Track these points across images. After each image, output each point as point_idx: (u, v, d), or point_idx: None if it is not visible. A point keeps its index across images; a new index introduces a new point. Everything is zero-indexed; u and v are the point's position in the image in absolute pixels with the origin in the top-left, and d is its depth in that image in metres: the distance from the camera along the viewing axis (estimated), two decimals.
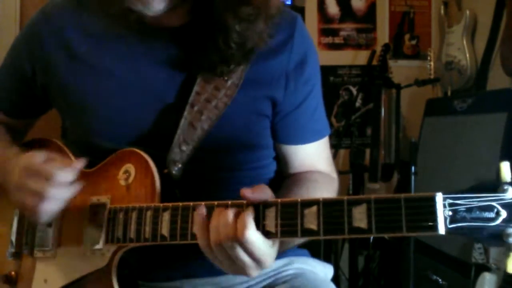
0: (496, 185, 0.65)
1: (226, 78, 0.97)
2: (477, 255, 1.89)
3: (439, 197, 0.66)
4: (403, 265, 2.34)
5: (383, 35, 3.23)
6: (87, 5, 1.01)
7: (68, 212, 0.97)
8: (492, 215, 0.64)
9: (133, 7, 0.90)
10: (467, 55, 2.71)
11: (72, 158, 1.01)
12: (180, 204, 0.84)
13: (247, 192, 0.77)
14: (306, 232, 0.74)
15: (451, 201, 0.65)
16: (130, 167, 0.92)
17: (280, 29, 1.01)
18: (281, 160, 1.09)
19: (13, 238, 1.03)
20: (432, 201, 0.66)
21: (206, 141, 0.96)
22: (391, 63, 3.10)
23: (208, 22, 0.94)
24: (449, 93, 2.83)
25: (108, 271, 0.89)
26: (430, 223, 0.66)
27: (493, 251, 1.79)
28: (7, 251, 1.03)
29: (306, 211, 0.74)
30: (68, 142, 1.07)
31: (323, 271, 1.12)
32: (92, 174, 0.97)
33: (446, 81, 2.86)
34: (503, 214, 0.64)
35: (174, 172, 0.94)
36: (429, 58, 2.97)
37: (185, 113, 0.96)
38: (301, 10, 3.09)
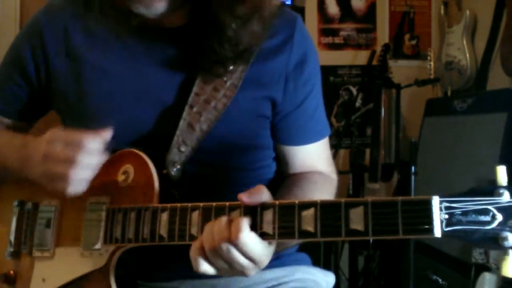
0: (492, 188, 0.65)
1: (225, 79, 0.97)
2: (477, 255, 1.89)
3: (435, 200, 0.66)
4: (403, 265, 2.34)
5: (383, 35, 3.23)
6: (88, 5, 1.02)
7: (67, 212, 0.98)
8: (488, 218, 0.64)
9: (135, 9, 0.90)
10: (467, 55, 2.71)
11: None
12: (179, 205, 0.84)
13: (244, 197, 0.77)
14: (303, 233, 0.74)
15: (447, 204, 0.66)
16: (129, 167, 0.92)
17: (280, 30, 1.01)
18: (281, 161, 1.09)
19: (12, 237, 1.03)
20: (428, 204, 0.66)
21: (205, 142, 0.97)
22: (391, 63, 3.10)
23: (206, 23, 0.94)
24: (449, 93, 2.83)
25: (106, 271, 0.90)
26: (426, 226, 0.66)
27: (493, 252, 1.79)
28: (6, 250, 1.03)
29: (304, 213, 0.74)
30: None
31: (325, 280, 1.12)
32: None
33: (446, 81, 2.85)
34: (499, 217, 0.64)
35: (172, 172, 0.94)
36: (429, 58, 2.98)
37: (184, 114, 0.96)
38: (301, 10, 3.09)
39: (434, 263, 2.29)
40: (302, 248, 1.15)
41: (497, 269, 1.78)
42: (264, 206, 0.77)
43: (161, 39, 0.99)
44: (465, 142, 2.22)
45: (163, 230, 0.84)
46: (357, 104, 3.20)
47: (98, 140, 0.86)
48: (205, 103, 0.96)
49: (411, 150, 2.18)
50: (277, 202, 0.77)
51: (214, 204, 0.81)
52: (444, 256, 2.20)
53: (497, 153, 1.96)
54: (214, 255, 0.77)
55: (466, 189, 0.66)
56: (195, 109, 0.96)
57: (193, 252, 0.79)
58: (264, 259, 0.78)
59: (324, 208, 0.73)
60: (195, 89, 0.96)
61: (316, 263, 1.16)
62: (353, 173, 2.93)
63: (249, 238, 0.75)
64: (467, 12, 2.74)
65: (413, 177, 2.14)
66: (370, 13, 3.23)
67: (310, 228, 0.74)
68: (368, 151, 2.98)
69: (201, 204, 0.82)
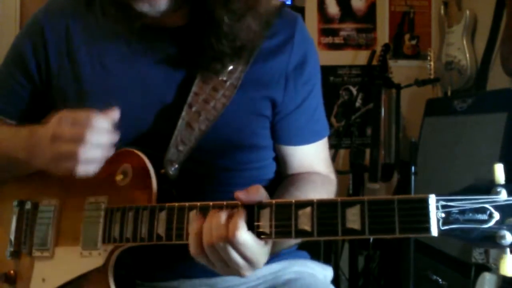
0: (489, 187, 0.65)
1: (224, 78, 0.97)
2: (477, 255, 1.89)
3: (432, 199, 0.66)
4: (403, 265, 2.34)
5: (383, 35, 3.23)
6: (89, 5, 1.02)
7: (66, 212, 0.98)
8: (485, 217, 0.64)
9: (138, 8, 0.91)
10: (467, 55, 2.71)
11: None
12: (176, 204, 0.84)
13: (241, 195, 0.78)
14: (300, 233, 0.74)
15: (444, 203, 0.66)
16: (127, 167, 0.92)
17: (280, 30, 1.01)
18: (280, 161, 1.09)
19: (12, 237, 1.03)
20: (425, 203, 0.66)
21: (203, 142, 0.97)
22: (391, 63, 3.11)
23: (205, 21, 0.94)
24: (449, 93, 2.82)
25: (105, 270, 0.90)
26: (423, 225, 0.66)
27: (493, 251, 1.79)
28: (6, 250, 1.03)
29: (300, 212, 0.74)
30: None
31: (323, 273, 1.12)
32: None
33: (446, 81, 2.85)
34: (496, 216, 0.64)
35: (171, 172, 0.94)
36: (429, 58, 2.97)
37: (183, 113, 0.96)
38: (301, 10, 3.10)
39: (434, 263, 2.29)
40: (301, 247, 1.15)
41: (497, 269, 1.78)
42: (261, 205, 0.77)
43: (161, 39, 0.99)
44: (465, 142, 2.21)
45: (161, 230, 0.84)
46: (357, 104, 3.20)
47: (105, 119, 0.86)
48: (204, 103, 0.96)
49: (411, 150, 2.18)
50: (273, 201, 0.77)
51: (211, 203, 0.81)
52: (444, 256, 2.20)
53: (497, 153, 1.96)
54: (211, 251, 0.77)
55: (463, 188, 0.66)
56: (194, 109, 0.96)
57: (191, 238, 0.79)
58: (260, 260, 0.79)
59: (321, 207, 0.74)
60: (194, 88, 0.97)
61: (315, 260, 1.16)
62: (353, 173, 2.93)
63: (246, 237, 0.75)
64: (467, 12, 2.74)
65: (413, 177, 2.13)
66: (370, 13, 3.23)
67: (306, 227, 0.74)
68: (368, 151, 2.98)
69: (199, 204, 0.82)
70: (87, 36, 1.01)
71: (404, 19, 3.21)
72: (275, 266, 1.06)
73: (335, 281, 1.13)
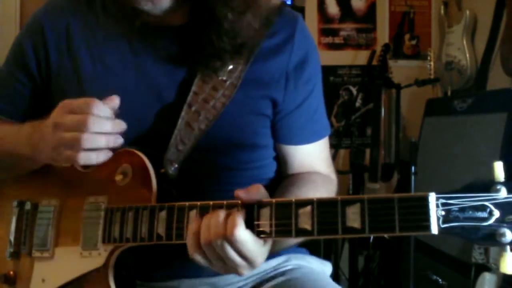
0: (489, 184, 0.65)
1: (224, 78, 0.97)
2: (477, 255, 1.88)
3: (432, 197, 0.66)
4: (403, 265, 2.34)
5: (383, 35, 3.23)
6: (89, 3, 1.02)
7: (66, 212, 0.98)
8: (485, 215, 0.64)
9: (140, 6, 0.91)
10: (467, 55, 2.71)
11: None
12: (176, 204, 0.84)
13: (241, 193, 0.78)
14: (300, 232, 0.74)
15: (444, 201, 0.66)
16: (127, 167, 0.92)
17: (280, 29, 1.01)
18: (281, 160, 1.09)
19: (12, 237, 1.03)
20: (425, 201, 0.66)
21: (203, 141, 0.97)
22: (391, 63, 3.11)
23: (205, 19, 0.94)
24: (449, 93, 2.83)
25: (105, 270, 0.90)
26: (423, 223, 0.66)
27: (493, 251, 1.79)
28: (6, 251, 1.03)
29: (301, 211, 0.74)
30: None
31: (321, 267, 1.12)
32: (89, 174, 0.97)
33: (446, 81, 2.85)
34: (496, 213, 0.64)
35: (170, 171, 0.94)
36: (429, 58, 2.98)
37: (183, 113, 0.96)
38: (301, 10, 3.10)
39: (434, 263, 2.29)
40: (301, 247, 1.15)
41: (497, 269, 1.78)
42: (261, 204, 0.77)
43: (162, 38, 0.99)
44: (465, 142, 2.21)
45: (161, 229, 0.84)
46: (357, 104, 3.20)
47: (106, 106, 0.86)
48: (204, 102, 0.96)
49: (411, 150, 2.17)
50: (273, 200, 0.77)
51: (211, 202, 0.81)
52: (444, 256, 2.20)
53: (497, 153, 1.96)
54: (208, 248, 0.77)
55: (463, 186, 0.66)
56: (193, 108, 0.96)
57: (189, 237, 0.79)
58: (258, 259, 0.79)
59: (321, 206, 0.73)
60: (194, 88, 0.97)
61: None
62: (353, 173, 2.93)
63: (243, 235, 0.75)
64: (467, 12, 2.74)
65: (413, 177, 2.13)
66: (370, 13, 3.23)
67: (307, 226, 0.74)
68: (368, 151, 2.98)
69: (199, 203, 0.82)
70: (88, 35, 1.02)
71: (404, 19, 3.21)
72: (274, 262, 1.07)
73: (335, 281, 1.13)
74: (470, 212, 0.65)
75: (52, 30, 1.03)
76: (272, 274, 1.06)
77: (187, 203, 0.83)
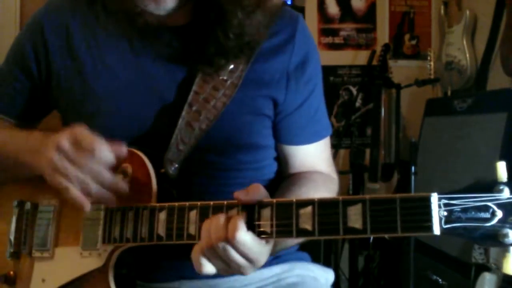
0: (491, 185, 0.65)
1: (225, 77, 0.97)
2: (477, 255, 1.88)
3: (434, 197, 0.66)
4: (403, 265, 2.34)
5: (383, 35, 3.23)
6: (89, 3, 1.02)
7: (66, 212, 0.98)
8: (487, 215, 0.64)
9: (144, 7, 0.91)
10: (467, 55, 2.71)
11: None
12: (176, 204, 0.84)
13: (240, 195, 0.78)
14: (301, 232, 0.74)
15: (446, 201, 0.65)
16: (127, 166, 0.92)
17: (281, 29, 1.01)
18: (282, 160, 1.09)
19: (12, 238, 1.03)
20: (427, 201, 0.66)
21: (203, 141, 0.96)
22: (391, 63, 3.11)
23: (210, 18, 0.94)
24: (449, 93, 2.83)
25: (105, 271, 0.90)
26: (425, 224, 0.66)
27: (493, 251, 1.79)
28: (6, 251, 1.03)
29: (301, 211, 0.74)
30: None
31: (324, 276, 1.12)
32: None
33: (446, 81, 2.85)
34: (499, 214, 0.64)
35: (171, 171, 0.94)
36: (429, 58, 2.97)
37: (183, 113, 0.96)
38: (301, 10, 3.09)
39: (434, 263, 2.29)
40: (302, 248, 1.15)
41: (497, 269, 1.78)
42: (261, 205, 0.77)
43: (163, 38, 0.99)
44: (465, 142, 2.21)
45: (161, 230, 0.84)
46: (357, 104, 3.20)
47: (111, 153, 0.85)
48: (204, 102, 0.96)
49: (411, 150, 2.17)
50: (274, 201, 0.77)
51: (211, 203, 0.81)
52: (444, 256, 2.20)
53: (497, 153, 1.96)
54: (211, 253, 0.77)
55: (465, 186, 0.66)
56: (194, 108, 0.96)
57: (194, 253, 0.79)
58: (261, 259, 0.79)
59: (322, 206, 0.73)
60: (194, 87, 0.96)
61: (316, 262, 1.16)
62: (353, 173, 2.93)
63: (245, 237, 0.75)
64: (467, 12, 2.74)
65: (413, 177, 2.13)
66: (370, 13, 3.23)
67: (308, 226, 0.74)
68: (368, 151, 2.98)
69: (199, 203, 0.82)
70: (88, 35, 1.01)
71: (404, 19, 3.21)
72: (277, 269, 1.06)
73: (335, 281, 1.13)
74: (473, 212, 0.64)
75: (52, 30, 1.03)
76: (274, 284, 1.06)
77: (187, 203, 0.83)
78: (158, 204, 0.86)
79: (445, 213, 0.65)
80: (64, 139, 0.85)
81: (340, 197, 0.72)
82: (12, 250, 1.02)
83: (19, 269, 1.02)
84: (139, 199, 0.89)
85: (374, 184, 2.81)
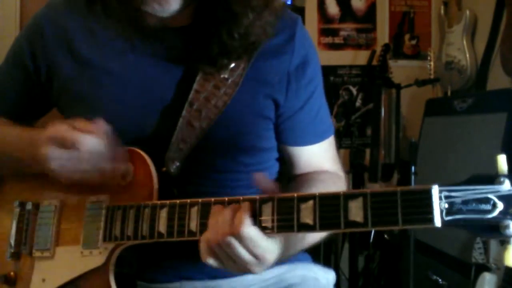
0: (492, 177, 0.65)
1: (226, 76, 0.97)
2: (477, 255, 1.88)
3: (435, 189, 0.66)
4: (403, 265, 2.34)
5: (383, 35, 3.23)
6: (89, 4, 1.02)
7: (67, 212, 0.98)
8: (488, 207, 0.64)
9: (148, 8, 0.91)
10: (467, 55, 2.71)
11: None
12: (177, 201, 0.84)
13: (261, 179, 0.79)
14: (302, 226, 0.74)
15: (447, 193, 0.65)
16: (129, 165, 0.92)
17: (281, 29, 1.01)
18: (287, 162, 1.08)
19: (12, 238, 1.03)
20: (428, 193, 0.66)
21: (204, 141, 0.96)
22: (391, 63, 3.11)
23: (214, 19, 0.94)
24: (449, 93, 2.83)
25: (106, 269, 0.90)
26: (426, 216, 0.66)
27: (493, 251, 1.79)
28: (6, 251, 1.03)
29: (303, 206, 0.74)
30: None
31: (325, 277, 1.12)
32: None
33: (446, 81, 2.86)
34: (500, 206, 0.64)
35: (172, 170, 0.94)
36: (429, 58, 2.97)
37: (184, 111, 0.96)
38: (301, 10, 3.10)
39: (434, 263, 2.29)
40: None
41: (497, 269, 1.78)
42: (263, 200, 0.77)
43: (164, 39, 0.99)
44: (465, 142, 2.22)
45: (162, 227, 0.84)
46: (357, 104, 3.20)
47: (95, 137, 0.86)
48: (205, 101, 0.96)
49: (411, 150, 2.18)
50: (275, 196, 0.77)
51: (213, 199, 0.81)
52: (444, 256, 2.20)
53: (497, 153, 1.94)
54: (218, 249, 0.77)
55: (466, 178, 0.66)
56: (195, 107, 0.96)
57: (202, 243, 0.79)
58: (268, 256, 0.78)
59: (323, 200, 0.73)
60: (195, 86, 0.96)
61: (316, 262, 1.16)
62: (353, 173, 2.93)
63: (251, 232, 0.75)
64: (467, 12, 2.74)
65: (413, 177, 2.14)
66: (370, 13, 3.23)
67: (309, 220, 0.74)
68: (368, 151, 2.98)
69: (200, 200, 0.82)
70: (88, 36, 1.01)
71: (404, 19, 3.21)
72: (278, 269, 1.06)
73: (336, 281, 1.13)
74: (474, 204, 0.64)
75: (51, 32, 1.03)
76: (276, 285, 1.05)
77: (188, 200, 0.83)
78: (159, 202, 0.86)
79: (446, 205, 0.65)
80: (53, 129, 0.87)
81: (341, 191, 0.72)
82: (12, 251, 1.02)
83: (19, 269, 1.01)
84: (141, 198, 0.89)
85: (374, 184, 2.81)
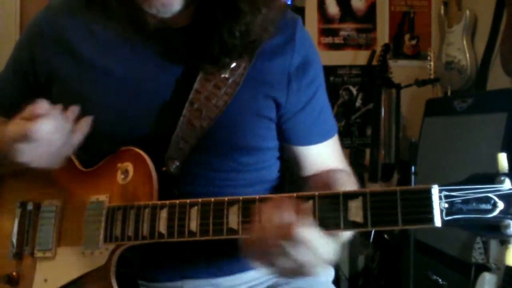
0: (492, 176, 0.65)
1: (227, 76, 0.97)
2: (477, 255, 1.89)
3: (435, 189, 0.66)
4: (403, 265, 2.34)
5: (383, 35, 3.23)
6: (89, 5, 1.02)
7: (68, 212, 0.98)
8: (489, 206, 0.64)
9: (149, 9, 0.91)
10: (467, 55, 2.71)
11: (73, 158, 1.01)
12: (177, 201, 0.84)
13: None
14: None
15: (447, 193, 0.65)
16: (129, 165, 0.92)
17: (281, 30, 1.01)
18: (292, 162, 1.08)
19: (14, 238, 1.03)
20: (428, 193, 0.66)
21: (204, 140, 0.97)
22: (391, 63, 3.11)
23: (215, 17, 0.94)
24: (449, 93, 2.83)
25: (107, 269, 0.90)
26: (426, 216, 0.66)
27: (493, 251, 1.79)
28: (8, 251, 1.03)
29: (302, 206, 0.74)
30: None
31: (325, 274, 1.11)
32: (91, 173, 0.98)
33: (446, 81, 2.86)
34: (500, 205, 0.64)
35: (172, 169, 0.94)
36: (429, 58, 2.98)
37: (184, 111, 0.96)
38: (301, 10, 3.10)
39: (434, 263, 2.29)
40: None
41: (497, 269, 1.78)
42: (262, 200, 0.78)
43: (164, 39, 0.99)
44: (465, 142, 2.22)
45: (162, 227, 0.84)
46: (357, 104, 3.21)
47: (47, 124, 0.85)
48: (206, 100, 0.96)
49: (411, 150, 2.18)
50: (274, 196, 0.77)
51: (213, 199, 0.81)
52: (444, 256, 2.21)
53: (497, 153, 1.95)
54: (272, 252, 0.74)
55: (466, 177, 0.66)
56: (195, 106, 0.96)
57: (249, 246, 0.76)
58: (327, 256, 0.74)
59: (323, 200, 0.73)
60: (196, 86, 0.97)
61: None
62: (353, 173, 2.93)
63: (312, 234, 0.71)
64: (467, 12, 2.74)
65: (413, 177, 2.14)
66: (370, 13, 3.24)
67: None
68: (368, 151, 2.99)
69: (200, 200, 0.82)
70: (88, 36, 1.01)
71: (404, 19, 3.21)
72: None
73: (335, 281, 1.13)
74: (474, 204, 0.64)
75: (51, 33, 1.03)
76: (274, 280, 1.05)
77: (188, 201, 0.83)
78: (159, 202, 0.86)
79: (446, 205, 0.65)
80: (11, 135, 0.87)
81: (341, 191, 0.72)
82: (14, 251, 1.02)
83: (22, 269, 1.02)
84: (141, 198, 0.89)
85: (374, 184, 2.81)
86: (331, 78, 3.20)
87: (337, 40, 3.23)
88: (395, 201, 0.68)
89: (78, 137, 0.90)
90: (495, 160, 0.67)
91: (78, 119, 0.92)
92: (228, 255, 1.00)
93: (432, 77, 2.95)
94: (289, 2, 3.03)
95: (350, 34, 3.23)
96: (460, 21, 2.78)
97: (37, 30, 1.05)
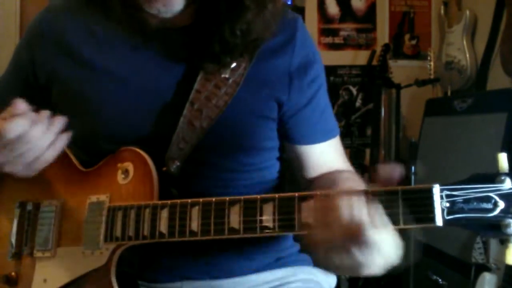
0: (493, 175, 0.65)
1: (227, 76, 0.97)
2: (477, 255, 1.89)
3: (436, 188, 0.66)
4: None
5: (383, 35, 3.24)
6: (89, 5, 1.02)
7: (67, 212, 0.98)
8: (489, 206, 0.64)
9: (149, 9, 0.91)
10: (467, 55, 2.72)
11: (73, 158, 1.01)
12: (178, 201, 0.84)
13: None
14: (304, 226, 0.74)
15: (448, 192, 0.66)
16: (129, 165, 0.92)
17: (281, 29, 1.01)
18: (295, 162, 1.07)
19: (13, 238, 1.03)
20: (429, 192, 0.66)
21: (205, 141, 0.96)
22: (391, 63, 3.11)
23: (214, 18, 0.94)
24: (449, 93, 2.83)
25: (107, 269, 0.89)
26: (427, 215, 0.66)
27: (493, 251, 1.79)
28: (8, 251, 1.03)
29: (304, 205, 0.75)
30: (68, 143, 1.07)
31: (327, 281, 1.11)
32: (91, 173, 0.97)
33: (446, 81, 2.86)
34: (501, 204, 0.64)
35: (172, 170, 0.94)
36: (429, 58, 2.98)
37: (185, 111, 0.96)
38: (301, 10, 3.10)
39: (434, 263, 2.29)
40: (302, 251, 1.15)
41: (497, 269, 1.78)
42: (263, 199, 0.78)
43: (165, 39, 0.99)
44: (465, 142, 2.22)
45: (163, 227, 0.84)
46: (357, 104, 3.21)
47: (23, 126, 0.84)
48: (206, 100, 0.96)
49: (411, 150, 2.18)
50: (276, 195, 0.77)
51: (213, 199, 0.81)
52: (444, 256, 2.21)
53: (497, 153, 1.96)
54: (332, 249, 0.73)
55: (467, 176, 0.66)
56: (196, 106, 0.96)
57: (314, 242, 0.75)
58: (392, 256, 0.73)
59: (322, 198, 0.73)
60: (196, 86, 0.96)
61: (316, 263, 1.15)
62: None
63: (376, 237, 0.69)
64: (467, 12, 2.75)
65: (413, 177, 2.14)
66: (370, 13, 3.24)
67: (309, 220, 0.74)
68: (368, 151, 2.99)
69: (201, 200, 0.82)
70: (89, 37, 1.01)
71: (404, 19, 3.21)
72: (280, 273, 1.06)
73: (336, 283, 1.13)
74: (475, 203, 0.65)
75: (52, 34, 1.03)
76: (279, 287, 1.05)
77: (189, 200, 0.83)
78: (160, 202, 0.86)
79: (447, 204, 0.65)
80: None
81: (342, 190, 0.72)
82: (13, 251, 1.02)
83: (21, 269, 1.01)
84: (141, 198, 0.89)
85: (374, 184, 2.81)
86: (331, 78, 3.20)
87: (337, 40, 3.23)
88: (396, 200, 0.67)
89: (56, 149, 0.89)
90: (495, 160, 0.67)
91: (63, 130, 0.91)
92: (228, 257, 1.00)
93: (432, 77, 2.95)
94: (289, 2, 3.03)
95: (350, 34, 3.23)
96: (460, 21, 2.78)
97: (37, 31, 1.05)
